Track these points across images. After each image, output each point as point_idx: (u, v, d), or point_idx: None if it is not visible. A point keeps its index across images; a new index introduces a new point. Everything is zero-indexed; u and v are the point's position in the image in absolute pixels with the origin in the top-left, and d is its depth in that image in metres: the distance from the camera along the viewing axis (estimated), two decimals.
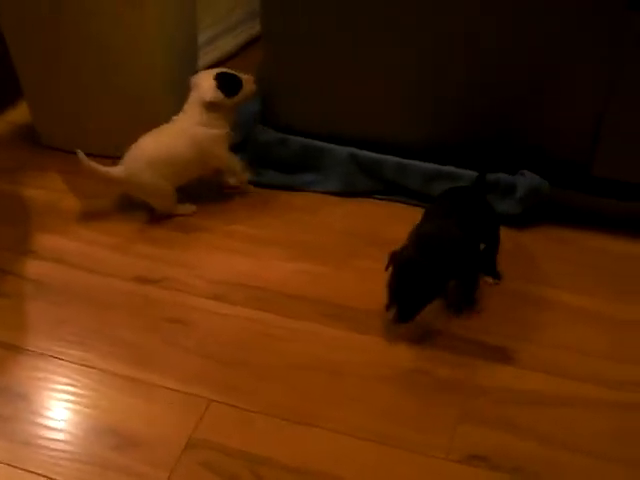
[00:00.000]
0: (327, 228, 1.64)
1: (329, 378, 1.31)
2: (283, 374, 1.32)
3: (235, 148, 1.72)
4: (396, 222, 1.47)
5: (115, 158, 1.63)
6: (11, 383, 1.32)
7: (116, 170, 1.59)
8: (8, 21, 1.72)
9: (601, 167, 1.56)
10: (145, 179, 1.60)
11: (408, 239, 1.35)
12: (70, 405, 1.28)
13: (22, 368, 1.34)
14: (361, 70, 1.63)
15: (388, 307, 1.34)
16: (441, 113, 1.64)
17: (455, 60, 1.57)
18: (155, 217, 1.66)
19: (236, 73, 1.64)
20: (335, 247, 1.59)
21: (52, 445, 1.22)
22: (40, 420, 1.26)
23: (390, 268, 1.32)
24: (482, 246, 1.46)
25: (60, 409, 1.28)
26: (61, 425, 1.25)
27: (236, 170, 1.70)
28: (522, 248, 1.57)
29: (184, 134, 1.61)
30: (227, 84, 1.61)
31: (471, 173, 1.58)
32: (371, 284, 1.39)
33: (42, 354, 1.36)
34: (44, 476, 1.17)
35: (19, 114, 1.98)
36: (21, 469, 1.18)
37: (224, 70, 1.64)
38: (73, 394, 1.30)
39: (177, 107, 1.64)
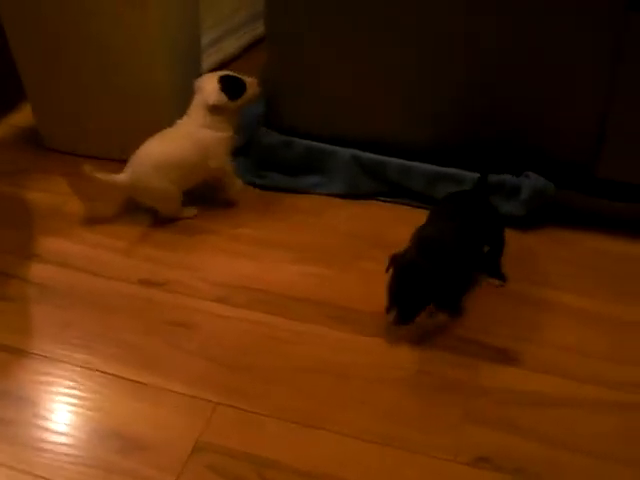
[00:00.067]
0: (332, 230, 1.64)
1: (335, 381, 1.31)
2: (288, 377, 1.32)
3: (239, 151, 1.72)
4: (400, 224, 1.47)
5: (116, 160, 1.63)
6: (15, 386, 1.31)
7: (121, 177, 1.59)
8: (10, 21, 1.72)
9: (605, 168, 1.56)
10: (152, 183, 1.59)
11: (410, 242, 1.36)
12: (74, 408, 1.28)
13: (26, 371, 1.34)
14: (364, 70, 1.63)
15: (388, 309, 1.34)
16: (441, 113, 1.63)
17: (455, 60, 1.57)
18: (159, 220, 1.66)
19: (240, 76, 1.64)
20: (340, 249, 1.59)
21: (56, 448, 1.21)
22: (44, 423, 1.26)
23: (390, 270, 1.32)
24: (486, 248, 1.47)
25: (64, 412, 1.27)
26: (65, 428, 1.25)
27: (229, 174, 1.68)
28: (526, 250, 1.57)
29: (190, 137, 1.61)
30: (231, 87, 1.61)
31: (474, 175, 1.57)
32: (376, 286, 1.38)
33: (46, 357, 1.36)
34: (48, 479, 1.17)
35: (22, 117, 1.99)
36: (25, 472, 1.17)
37: (228, 73, 1.64)
38: (77, 397, 1.30)
39: (180, 109, 1.64)
